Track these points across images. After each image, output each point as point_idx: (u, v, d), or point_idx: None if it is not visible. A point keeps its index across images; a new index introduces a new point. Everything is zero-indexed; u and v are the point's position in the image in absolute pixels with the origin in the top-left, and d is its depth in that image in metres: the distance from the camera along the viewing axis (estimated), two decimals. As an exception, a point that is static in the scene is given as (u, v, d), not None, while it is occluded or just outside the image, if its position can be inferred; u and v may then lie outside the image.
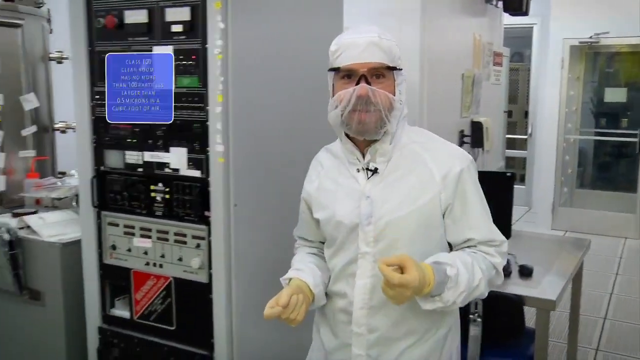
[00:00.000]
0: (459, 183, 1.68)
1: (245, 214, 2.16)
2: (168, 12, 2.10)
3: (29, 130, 3.07)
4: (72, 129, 3.30)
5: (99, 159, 2.35)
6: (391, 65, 1.64)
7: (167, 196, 2.22)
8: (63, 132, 3.33)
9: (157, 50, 2.14)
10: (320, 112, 2.63)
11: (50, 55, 3.23)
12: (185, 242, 2.21)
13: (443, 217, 1.70)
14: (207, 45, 2.05)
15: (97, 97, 2.30)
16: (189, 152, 2.14)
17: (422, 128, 1.86)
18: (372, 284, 1.69)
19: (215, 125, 2.06)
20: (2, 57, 2.89)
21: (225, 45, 2.03)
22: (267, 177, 2.26)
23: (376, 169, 1.69)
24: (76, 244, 2.51)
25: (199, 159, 2.13)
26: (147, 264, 2.30)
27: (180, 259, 2.23)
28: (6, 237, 2.53)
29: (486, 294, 1.71)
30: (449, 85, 3.93)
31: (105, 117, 2.29)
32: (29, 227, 2.62)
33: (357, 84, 1.60)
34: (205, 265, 2.18)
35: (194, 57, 2.09)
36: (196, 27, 2.07)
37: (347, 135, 1.70)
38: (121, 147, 2.28)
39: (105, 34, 2.25)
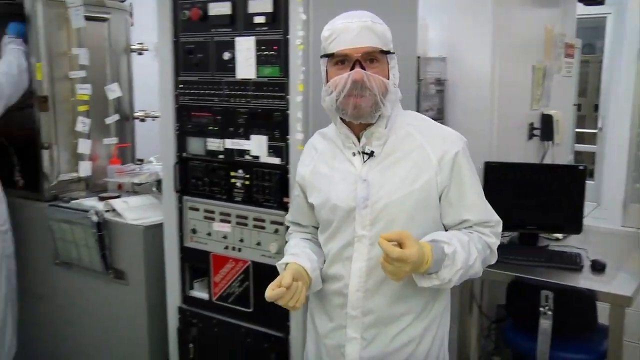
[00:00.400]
0: (454, 165, 1.70)
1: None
2: (251, 4, 2.17)
3: (113, 119, 3.21)
4: (151, 117, 3.44)
5: (181, 145, 2.45)
6: (385, 49, 1.66)
7: (247, 182, 2.30)
8: (142, 120, 3.46)
9: (240, 41, 2.22)
10: (402, 103, 2.69)
11: (132, 47, 3.36)
12: (263, 227, 2.28)
13: (439, 200, 1.72)
14: (288, 36, 2.11)
15: (181, 86, 2.40)
16: (269, 140, 2.21)
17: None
18: (368, 267, 1.72)
19: (295, 114, 2.13)
20: (91, 50, 3.03)
21: (307, 36, 2.08)
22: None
23: (372, 152, 1.71)
24: (157, 227, 2.63)
25: (279, 147, 2.19)
26: (226, 247, 2.39)
27: (258, 244, 2.30)
28: (95, 219, 2.67)
29: (480, 273, 1.75)
30: (519, 77, 3.88)
31: (188, 105, 2.39)
32: (114, 210, 2.75)
33: (352, 69, 1.62)
34: (283, 250, 2.24)
35: (275, 47, 2.15)
36: (278, 18, 2.13)
37: (342, 119, 1.72)
38: (203, 135, 2.38)
39: (189, 26, 2.34)
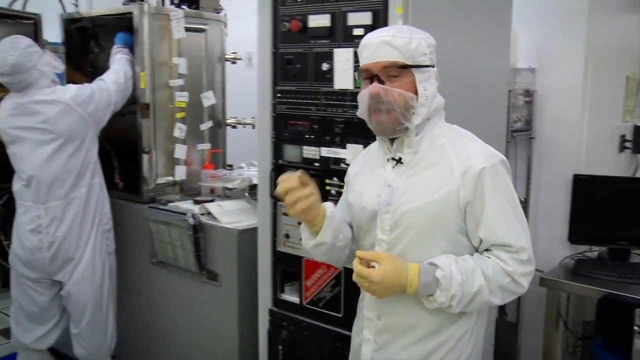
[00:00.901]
0: (478, 181, 1.64)
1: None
2: (350, 17, 2.23)
3: (206, 125, 3.34)
4: (242, 124, 3.56)
5: (277, 153, 2.53)
6: (408, 63, 1.64)
7: (341, 190, 2.34)
8: (233, 127, 3.59)
9: (338, 52, 2.28)
10: (490, 112, 2.68)
11: (226, 56, 3.49)
12: (356, 234, 2.33)
13: (465, 216, 1.67)
14: (387, 48, 2.15)
15: (279, 95, 2.48)
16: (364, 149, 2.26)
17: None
18: None
19: (391, 124, 2.16)
20: (189, 59, 3.18)
21: (405, 48, 2.12)
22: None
23: (400, 158, 1.73)
24: (250, 231, 2.72)
25: (374, 156, 2.24)
26: (319, 253, 2.45)
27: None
28: (191, 221, 2.79)
29: (499, 302, 1.68)
30: (611, 87, 3.78)
31: (285, 114, 2.47)
32: (209, 213, 2.87)
33: (370, 84, 1.65)
34: (375, 257, 2.28)
35: (373, 59, 2.20)
36: (377, 30, 2.17)
37: None
38: (299, 143, 2.45)
39: (289, 37, 2.42)
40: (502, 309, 3.46)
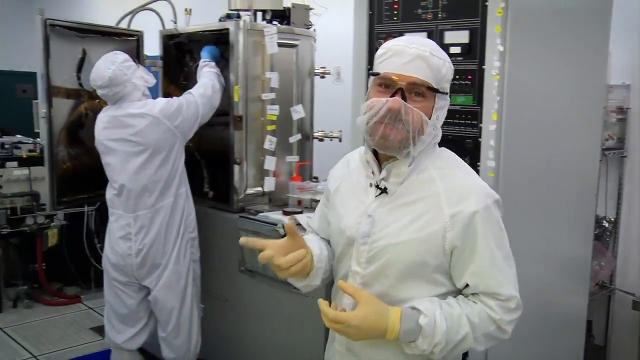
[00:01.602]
0: (470, 225, 1.50)
1: (511, 227, 2.23)
2: (447, 35, 2.27)
3: (295, 138, 3.43)
4: (329, 137, 3.63)
5: (369, 167, 2.57)
6: (435, 86, 1.50)
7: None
8: (320, 140, 3.66)
9: (434, 70, 2.31)
10: (583, 130, 2.65)
11: (315, 71, 3.58)
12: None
13: (450, 259, 1.54)
14: (484, 67, 2.17)
15: (373, 111, 2.53)
16: (458, 166, 2.28)
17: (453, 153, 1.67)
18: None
19: (488, 142, 2.18)
20: (280, 73, 3.28)
21: (502, 67, 2.14)
22: (533, 193, 2.32)
23: (385, 188, 1.57)
24: None
25: (468, 173, 2.25)
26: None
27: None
28: (282, 232, 2.87)
29: (481, 349, 1.57)
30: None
31: (378, 129, 2.52)
32: (299, 224, 2.94)
33: (393, 95, 1.47)
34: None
35: (469, 77, 2.22)
36: (474, 49, 2.20)
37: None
38: (391, 158, 2.48)
39: (384, 55, 2.47)
40: (589, 330, 3.39)
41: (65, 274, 5.26)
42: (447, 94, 1.56)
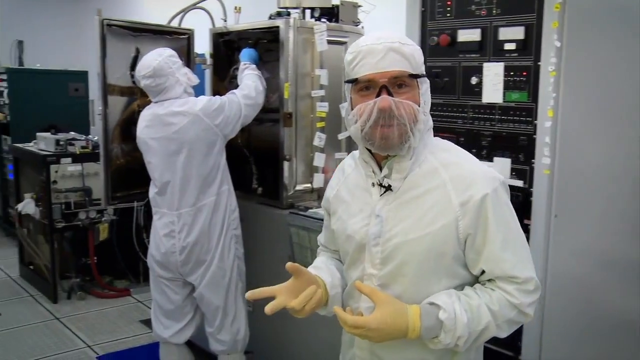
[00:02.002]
0: (481, 210, 1.48)
1: (565, 225, 2.22)
2: (502, 31, 2.25)
3: (344, 135, 3.44)
4: (377, 134, 3.63)
5: (420, 164, 2.57)
6: (414, 72, 1.48)
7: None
8: (368, 137, 3.66)
9: (488, 66, 2.30)
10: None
11: (363, 68, 3.58)
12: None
13: (465, 247, 1.52)
14: (539, 63, 2.15)
15: (425, 108, 2.53)
16: (512, 163, 2.27)
17: (449, 141, 1.65)
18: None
19: (543, 139, 2.16)
20: (329, 71, 3.30)
21: (559, 63, 2.11)
22: (588, 192, 2.29)
23: (389, 186, 1.54)
24: None
25: (523, 170, 2.24)
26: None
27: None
28: (332, 227, 2.89)
29: (505, 335, 1.54)
30: None
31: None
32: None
33: (378, 95, 1.44)
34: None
35: (524, 73, 2.21)
36: (529, 45, 2.18)
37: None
38: (443, 155, 2.48)
39: (437, 51, 2.47)
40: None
41: (115, 268, 5.39)
42: (425, 76, 1.54)
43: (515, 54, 2.22)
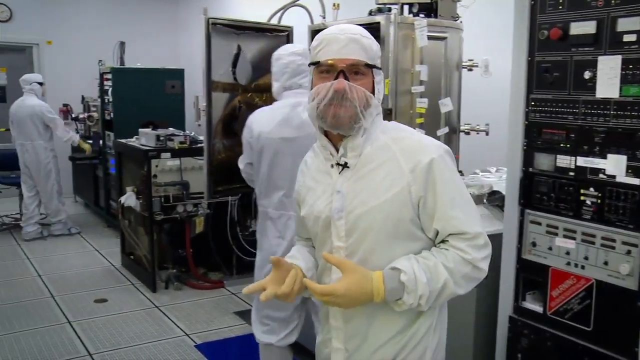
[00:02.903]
0: (429, 174, 1.64)
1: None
2: (620, 23, 2.16)
3: (443, 131, 3.42)
4: (476, 131, 3.58)
5: (527, 160, 2.52)
6: (370, 63, 1.65)
7: (598, 201, 2.28)
8: (467, 133, 3.62)
9: (603, 59, 2.22)
10: None
11: (463, 63, 3.54)
12: (613, 247, 2.25)
13: (418, 211, 1.66)
14: (662, 55, 2.06)
15: (532, 103, 2.48)
16: (628, 160, 2.18)
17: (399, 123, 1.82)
18: None
19: (664, 135, 2.07)
20: (429, 66, 3.28)
21: (684, 55, 2.02)
22: None
23: (346, 163, 1.70)
24: (493, 237, 2.53)
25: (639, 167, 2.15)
26: (568, 263, 2.40)
27: (605, 263, 2.28)
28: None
29: (463, 291, 1.67)
30: None
31: (538, 122, 2.46)
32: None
33: (336, 78, 1.61)
34: (635, 273, 2.19)
35: (645, 66, 2.11)
36: (651, 36, 2.09)
37: (323, 131, 1.72)
38: (553, 151, 2.42)
39: (546, 45, 2.40)
40: None
41: (210, 260, 5.56)
42: (380, 68, 1.71)
43: (636, 46, 2.13)
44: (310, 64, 1.72)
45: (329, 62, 1.63)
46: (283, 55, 2.96)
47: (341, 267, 1.62)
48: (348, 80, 1.61)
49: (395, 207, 1.65)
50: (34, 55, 9.25)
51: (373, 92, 1.67)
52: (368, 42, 1.67)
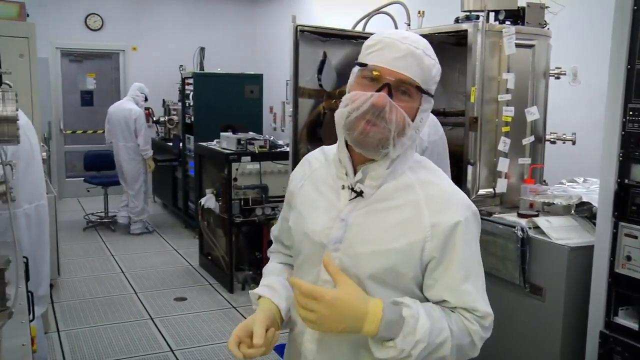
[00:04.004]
0: (451, 237, 1.41)
1: None
2: None
3: (529, 140, 3.36)
4: (562, 140, 3.50)
5: (623, 172, 2.45)
6: (423, 87, 1.40)
7: (701, 215, 2.20)
8: (552, 142, 3.54)
9: None
10: None
11: (550, 71, 3.47)
12: None
13: (425, 270, 1.44)
14: None
15: (631, 113, 2.41)
16: None
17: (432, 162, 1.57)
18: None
19: None
20: (516, 74, 3.23)
21: None
22: None
23: (361, 191, 1.47)
24: (582, 249, 2.68)
25: None
26: (666, 279, 2.32)
27: None
28: (520, 234, 2.84)
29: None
30: None
31: (637, 132, 2.39)
32: (536, 227, 2.88)
33: (379, 90, 1.37)
34: None
35: None
36: None
37: (347, 144, 1.48)
38: (651, 163, 2.35)
39: (649, 53, 2.34)
40: None
41: (285, 264, 5.62)
42: (433, 96, 1.46)
43: None
44: (356, 64, 1.48)
45: (378, 68, 1.40)
46: None
47: (337, 279, 1.39)
48: (392, 98, 1.38)
49: (401, 259, 1.43)
50: (120, 61, 9.65)
51: (413, 120, 1.44)
52: (429, 62, 1.42)
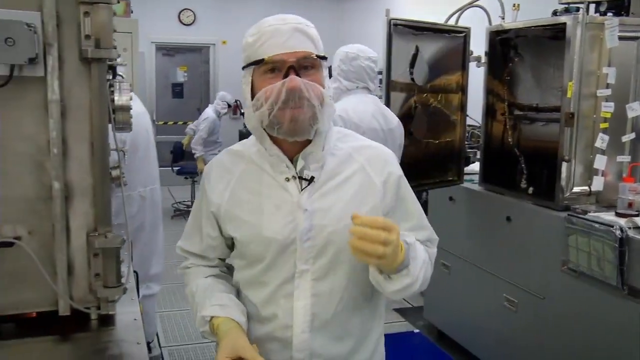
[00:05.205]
0: (399, 187, 1.58)
1: None
2: None
3: (629, 137, 3.23)
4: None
5: None
6: (319, 54, 1.45)
7: None
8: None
9: None
10: None
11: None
12: None
13: None
14: None
15: None
16: None
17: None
18: (313, 304, 1.52)
19: None
20: (617, 68, 3.11)
21: None
22: None
23: (312, 177, 1.50)
24: None
25: None
26: None
27: None
28: (618, 234, 2.75)
29: (425, 286, 1.54)
30: None
31: None
32: (636, 227, 2.78)
33: (285, 77, 1.40)
34: None
35: None
36: None
37: (272, 139, 1.50)
38: None
39: None
40: None
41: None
42: (326, 58, 1.49)
43: None
44: (247, 65, 1.47)
45: (276, 58, 1.41)
46: (360, 57, 3.15)
47: (387, 226, 1.34)
48: (300, 77, 1.41)
49: None
50: (210, 55, 9.94)
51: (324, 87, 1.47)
52: (314, 32, 1.48)
